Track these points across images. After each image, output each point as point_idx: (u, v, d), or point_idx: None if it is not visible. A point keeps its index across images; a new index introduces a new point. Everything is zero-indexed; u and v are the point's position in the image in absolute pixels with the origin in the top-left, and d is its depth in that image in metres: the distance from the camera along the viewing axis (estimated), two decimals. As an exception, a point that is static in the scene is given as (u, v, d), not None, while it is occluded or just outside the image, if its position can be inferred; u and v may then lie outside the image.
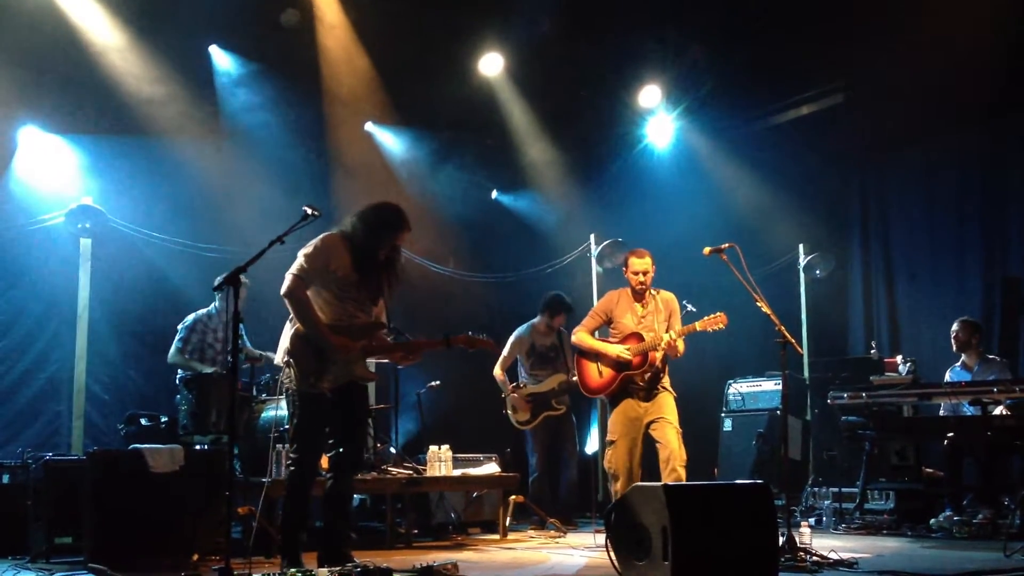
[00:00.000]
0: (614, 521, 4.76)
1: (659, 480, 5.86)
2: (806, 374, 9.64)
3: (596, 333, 6.68)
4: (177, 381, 6.99)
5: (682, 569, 4.27)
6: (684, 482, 5.93)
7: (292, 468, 4.95)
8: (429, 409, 8.24)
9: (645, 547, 4.46)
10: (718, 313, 6.20)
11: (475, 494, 7.79)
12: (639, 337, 6.32)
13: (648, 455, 6.35)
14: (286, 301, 4.92)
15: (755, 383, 9.10)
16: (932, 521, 7.17)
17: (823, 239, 10.10)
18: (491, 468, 7.52)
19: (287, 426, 5.21)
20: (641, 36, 9.35)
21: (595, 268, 9.69)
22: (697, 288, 7.76)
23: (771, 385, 8.90)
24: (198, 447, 6.47)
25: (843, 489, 8.04)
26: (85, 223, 7.64)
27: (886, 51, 8.55)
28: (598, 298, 8.38)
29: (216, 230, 8.40)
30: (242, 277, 4.91)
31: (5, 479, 6.21)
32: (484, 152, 10.32)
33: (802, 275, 10.00)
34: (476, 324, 5.41)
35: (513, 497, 7.49)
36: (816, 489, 8.39)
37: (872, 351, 9.15)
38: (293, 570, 4.63)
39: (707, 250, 5.99)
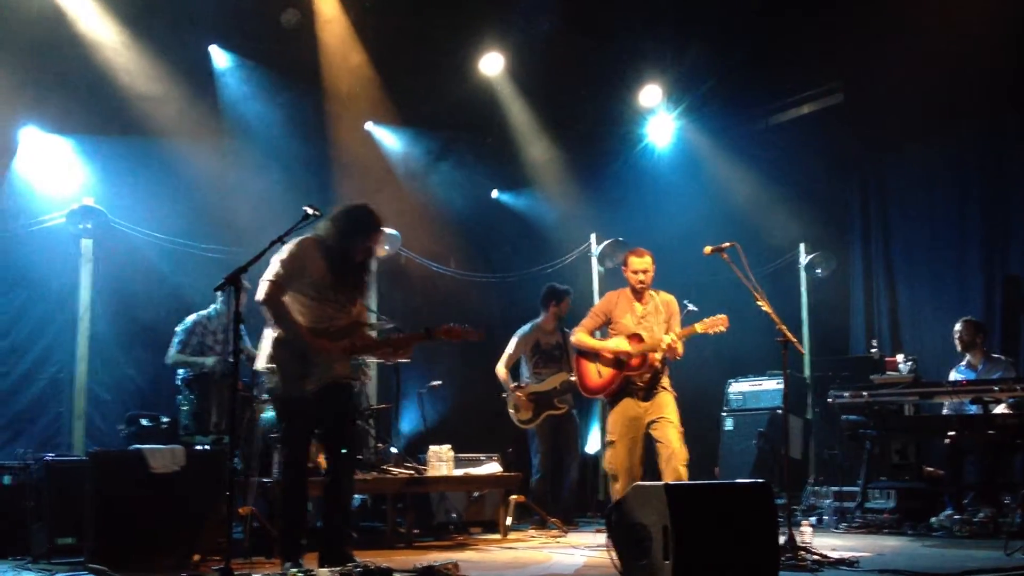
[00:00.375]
0: (615, 520, 4.76)
1: (660, 480, 5.85)
2: (807, 373, 9.63)
3: (596, 333, 6.67)
4: (178, 381, 6.97)
5: (683, 568, 4.26)
6: (685, 481, 5.92)
7: (285, 471, 4.98)
8: (430, 408, 8.25)
9: (646, 547, 4.45)
10: (720, 315, 6.17)
11: (476, 494, 7.77)
12: (639, 338, 6.30)
13: (649, 455, 6.34)
14: (263, 308, 4.93)
15: (756, 382, 9.09)
16: (933, 520, 7.16)
17: (824, 238, 10.08)
18: (492, 468, 7.52)
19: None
20: (641, 35, 9.35)
21: (596, 268, 9.69)
22: (698, 287, 7.76)
23: (772, 384, 8.89)
24: (199, 447, 6.46)
25: (844, 488, 8.02)
26: (86, 223, 7.62)
27: (886, 50, 8.55)
28: (599, 298, 8.38)
29: (217, 230, 8.39)
30: (242, 278, 4.91)
31: (6, 480, 6.20)
32: (484, 151, 10.30)
33: (803, 274, 9.99)
34: (476, 324, 5.39)
35: (514, 497, 7.49)
36: (817, 488, 8.37)
37: (873, 350, 9.14)
38: (293, 570, 4.64)
39: (708, 249, 5.98)
